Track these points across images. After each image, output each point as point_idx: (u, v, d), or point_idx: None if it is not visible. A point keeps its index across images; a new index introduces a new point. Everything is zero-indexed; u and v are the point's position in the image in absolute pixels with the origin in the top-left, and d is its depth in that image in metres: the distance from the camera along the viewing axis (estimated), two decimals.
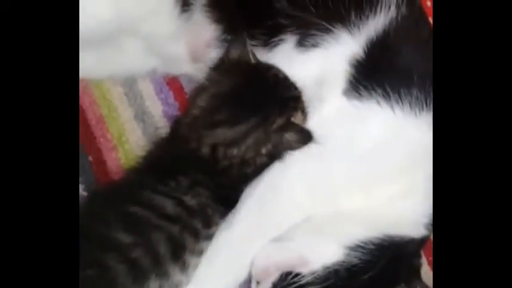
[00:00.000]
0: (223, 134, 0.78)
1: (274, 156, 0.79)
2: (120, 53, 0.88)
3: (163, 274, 0.73)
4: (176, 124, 0.85)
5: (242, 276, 0.79)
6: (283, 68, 0.83)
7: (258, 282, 0.78)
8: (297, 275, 0.75)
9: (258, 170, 0.79)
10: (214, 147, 0.79)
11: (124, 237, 0.72)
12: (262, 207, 0.79)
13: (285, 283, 0.76)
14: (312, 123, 0.81)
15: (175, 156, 0.80)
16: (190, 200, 0.76)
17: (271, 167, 0.79)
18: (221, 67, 0.83)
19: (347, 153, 0.79)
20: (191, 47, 0.86)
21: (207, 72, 0.84)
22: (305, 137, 0.79)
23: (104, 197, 0.79)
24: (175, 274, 0.74)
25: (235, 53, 0.82)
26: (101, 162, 0.91)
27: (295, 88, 0.81)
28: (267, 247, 0.78)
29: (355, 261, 0.74)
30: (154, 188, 0.76)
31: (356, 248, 0.75)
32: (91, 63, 0.90)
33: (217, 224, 0.78)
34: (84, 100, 0.93)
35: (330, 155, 0.79)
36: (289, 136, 0.79)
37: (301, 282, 0.75)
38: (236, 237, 0.78)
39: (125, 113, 0.94)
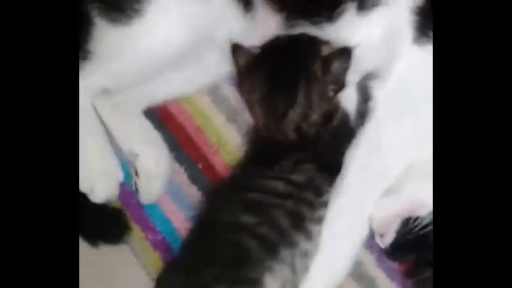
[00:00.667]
0: (294, 114, 0.85)
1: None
2: (200, 66, 0.96)
3: (290, 243, 0.81)
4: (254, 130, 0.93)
5: (364, 233, 0.85)
6: (351, 35, 0.88)
7: (381, 236, 0.84)
8: (416, 218, 0.81)
9: (345, 124, 0.86)
10: (297, 130, 0.86)
11: (250, 219, 0.82)
12: (367, 166, 0.84)
13: (407, 228, 0.81)
14: (392, 81, 0.85)
15: (272, 146, 0.88)
16: (297, 177, 0.84)
17: (363, 126, 0.85)
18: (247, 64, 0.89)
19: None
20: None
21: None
22: (348, 53, 0.84)
23: (223, 192, 0.89)
24: (302, 242, 0.82)
25: (242, 61, 0.89)
26: (210, 167, 0.99)
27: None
28: (382, 201, 0.83)
29: None
30: (263, 174, 0.85)
31: None
32: (178, 83, 0.99)
33: (328, 191, 0.85)
34: (181, 116, 1.02)
35: (416, 105, 0.83)
36: (336, 66, 0.85)
37: (422, 224, 0.80)
38: (350, 199, 0.84)
39: (218, 119, 1.02)
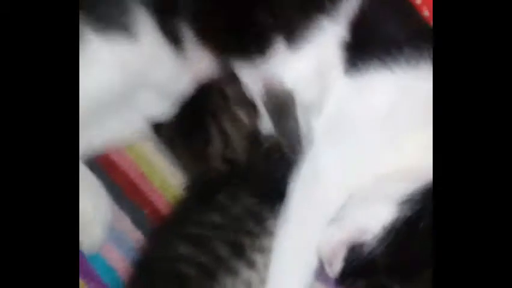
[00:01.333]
0: (213, 149, 0.87)
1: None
2: (136, 108, 0.96)
3: (230, 271, 0.80)
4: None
5: (313, 263, 0.83)
6: (284, 71, 0.89)
7: (330, 265, 0.82)
8: (361, 245, 0.79)
9: (279, 148, 0.87)
10: (225, 160, 0.87)
11: (189, 250, 0.81)
12: (308, 195, 0.83)
13: (353, 255, 0.79)
14: (327, 111, 0.87)
15: (207, 184, 0.88)
16: (234, 208, 0.83)
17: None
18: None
19: (368, 123, 0.84)
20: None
21: None
22: (233, 75, 0.88)
23: (163, 231, 0.88)
24: (244, 271, 0.80)
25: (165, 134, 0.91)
26: (155, 211, 0.97)
27: None
28: (327, 229, 0.82)
29: (409, 213, 0.78)
30: (201, 210, 0.84)
31: (407, 201, 0.78)
32: (116, 129, 0.99)
33: (269, 218, 0.83)
34: (124, 164, 1.01)
35: (351, 132, 0.84)
36: (230, 90, 0.88)
37: (368, 250, 0.78)
38: (294, 229, 0.83)
39: (161, 163, 1.00)
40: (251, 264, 0.82)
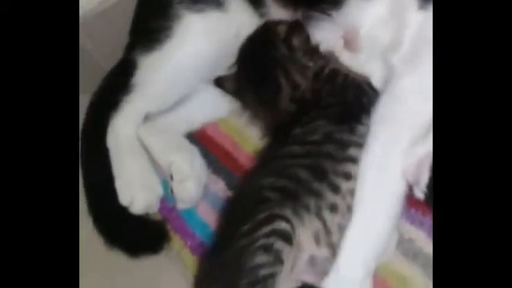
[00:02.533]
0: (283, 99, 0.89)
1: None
2: None
3: (313, 193, 0.79)
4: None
5: (399, 189, 0.79)
6: (360, 18, 0.92)
7: (417, 183, 0.77)
8: None
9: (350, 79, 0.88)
10: (293, 100, 0.89)
11: (271, 180, 0.82)
12: (391, 119, 0.81)
13: None
14: (405, 45, 0.86)
15: (283, 129, 0.89)
16: (312, 136, 0.84)
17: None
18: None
19: None
20: None
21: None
22: (298, 24, 0.90)
23: (247, 177, 0.90)
24: (328, 194, 0.79)
25: (230, 87, 0.95)
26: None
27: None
28: (409, 152, 0.78)
29: None
30: (278, 147, 0.86)
31: None
32: (210, 108, 1.07)
33: (349, 144, 0.82)
34: (218, 136, 1.07)
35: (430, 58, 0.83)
36: (297, 40, 0.90)
37: None
38: (378, 154, 0.80)
39: (253, 136, 1.03)
40: (335, 189, 0.80)
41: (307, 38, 0.91)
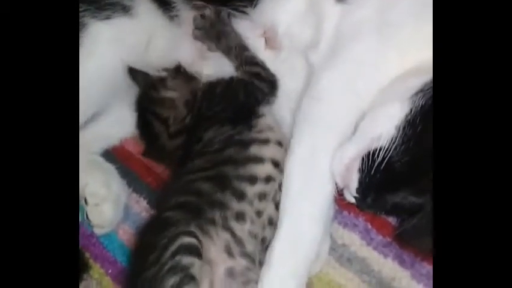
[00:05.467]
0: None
1: None
2: None
3: (218, 205, 0.74)
4: None
5: (329, 193, 0.74)
6: (277, 15, 0.88)
7: (346, 185, 0.73)
8: (378, 150, 0.69)
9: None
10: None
11: (173, 198, 0.77)
12: (314, 121, 0.77)
13: (372, 167, 0.69)
14: (324, 41, 0.83)
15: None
16: (212, 146, 0.79)
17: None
18: None
19: (370, 34, 0.78)
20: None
21: None
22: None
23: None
24: (233, 204, 0.74)
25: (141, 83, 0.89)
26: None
27: None
28: (335, 154, 0.73)
29: (422, 102, 0.69)
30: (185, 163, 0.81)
31: (418, 92, 0.70)
32: (128, 122, 0.96)
33: (250, 142, 0.78)
34: (137, 151, 0.97)
35: (351, 48, 0.79)
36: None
37: (385, 155, 0.69)
38: (304, 158, 0.75)
39: None
40: (240, 196, 0.75)
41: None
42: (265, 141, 0.78)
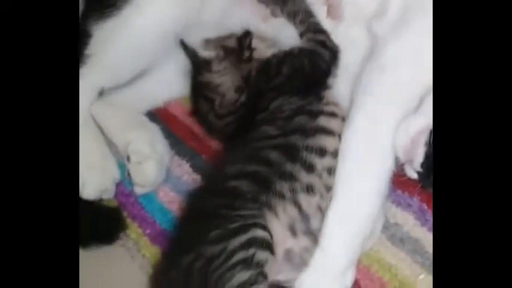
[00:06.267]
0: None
1: None
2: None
3: (286, 176, 0.70)
4: None
5: (387, 166, 0.70)
6: None
7: (410, 161, 0.69)
8: None
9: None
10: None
11: (237, 166, 0.73)
12: (377, 92, 0.73)
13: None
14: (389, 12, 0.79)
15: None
16: (282, 113, 0.75)
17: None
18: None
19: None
20: None
21: None
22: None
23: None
24: (302, 175, 0.71)
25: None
26: (213, 156, 0.88)
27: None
28: (400, 125, 0.69)
29: None
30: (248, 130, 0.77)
31: None
32: (173, 83, 0.95)
33: (319, 113, 0.74)
34: (183, 115, 0.95)
35: (416, 22, 0.75)
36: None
37: None
38: (362, 127, 0.72)
39: None
40: (309, 168, 0.71)
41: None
42: (333, 114, 0.75)
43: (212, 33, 0.88)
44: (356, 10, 0.84)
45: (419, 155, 0.67)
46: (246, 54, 0.80)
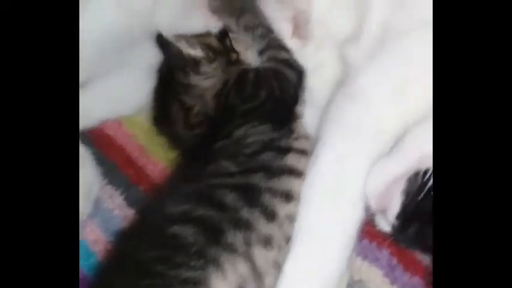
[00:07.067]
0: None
1: None
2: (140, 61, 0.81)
3: (241, 225, 0.59)
4: None
5: (357, 218, 0.60)
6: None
7: (383, 213, 0.59)
8: (426, 171, 0.56)
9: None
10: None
11: (182, 206, 0.61)
12: (347, 126, 0.63)
13: (417, 187, 0.56)
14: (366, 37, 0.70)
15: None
16: (250, 147, 0.65)
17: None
18: None
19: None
20: None
21: None
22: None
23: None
24: (261, 225, 0.60)
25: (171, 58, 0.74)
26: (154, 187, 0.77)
27: None
28: (374, 169, 0.60)
29: None
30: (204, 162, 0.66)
31: None
32: (113, 100, 0.84)
33: (288, 149, 0.64)
34: (121, 138, 0.83)
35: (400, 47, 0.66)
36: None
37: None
38: (331, 169, 0.61)
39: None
40: (270, 216, 0.61)
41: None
42: (303, 152, 0.64)
43: None
44: (326, 31, 0.75)
45: (395, 205, 0.57)
46: (234, 56, 0.71)
